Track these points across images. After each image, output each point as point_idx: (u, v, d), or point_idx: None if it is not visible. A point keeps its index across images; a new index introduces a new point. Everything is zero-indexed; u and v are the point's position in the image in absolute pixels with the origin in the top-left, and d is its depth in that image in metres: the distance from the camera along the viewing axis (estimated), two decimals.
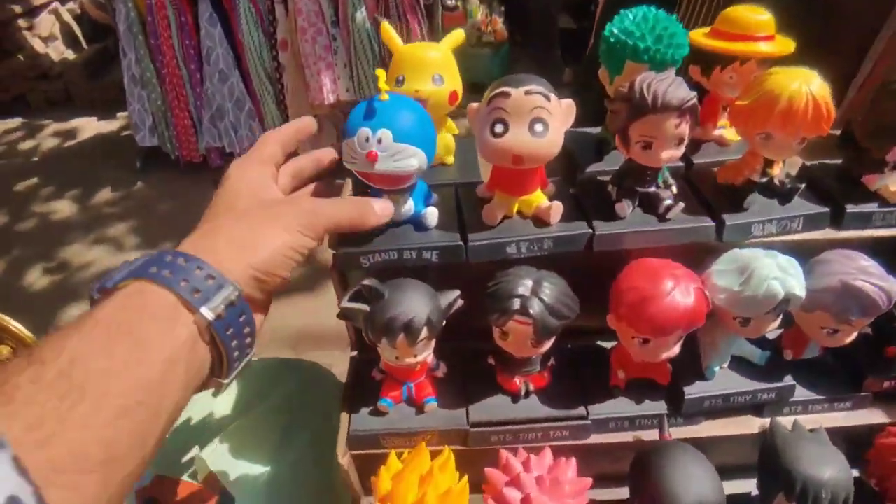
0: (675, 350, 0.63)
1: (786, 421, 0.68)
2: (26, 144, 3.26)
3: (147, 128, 2.73)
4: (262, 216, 0.46)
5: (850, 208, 0.68)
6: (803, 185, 0.68)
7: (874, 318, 0.68)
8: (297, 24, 2.41)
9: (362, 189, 0.65)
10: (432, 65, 0.69)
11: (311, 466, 0.83)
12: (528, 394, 0.67)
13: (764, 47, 0.69)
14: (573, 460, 0.59)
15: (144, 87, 2.64)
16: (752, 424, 0.69)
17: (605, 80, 0.73)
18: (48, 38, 3.49)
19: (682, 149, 0.61)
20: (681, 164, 0.77)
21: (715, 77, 0.73)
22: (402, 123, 0.57)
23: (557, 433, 0.66)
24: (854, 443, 0.71)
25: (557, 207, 0.64)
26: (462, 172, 0.77)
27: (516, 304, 0.58)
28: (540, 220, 0.65)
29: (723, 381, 0.68)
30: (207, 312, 0.37)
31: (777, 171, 0.69)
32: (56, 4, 3.62)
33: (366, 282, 0.60)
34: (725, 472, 0.66)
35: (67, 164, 3.06)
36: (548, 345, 0.63)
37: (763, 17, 0.70)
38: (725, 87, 0.73)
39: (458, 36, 0.73)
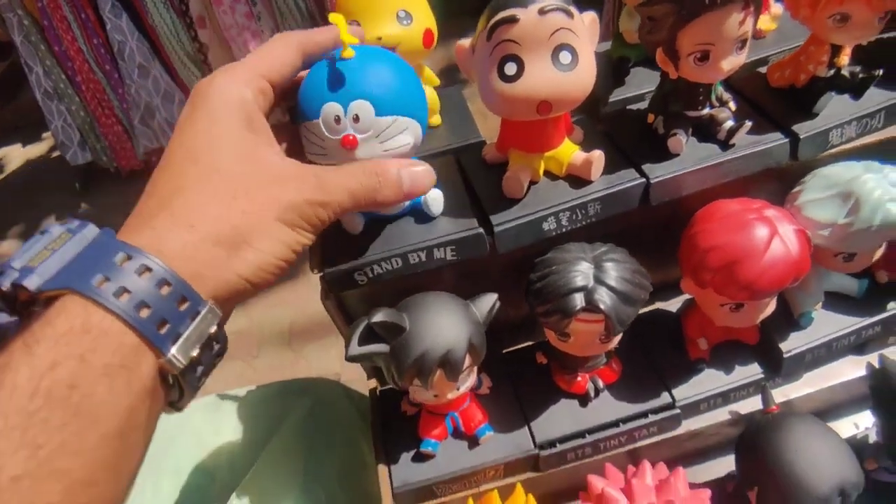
0: (771, 308, 0.49)
1: (891, 352, 0.56)
2: None
3: (76, 144, 2.42)
4: (256, 198, 0.31)
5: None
6: (880, 72, 0.53)
7: None
8: None
9: None
10: None
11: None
12: (597, 392, 0.53)
13: None
14: (681, 472, 0.45)
15: (61, 100, 2.31)
16: (856, 367, 0.57)
17: None
18: None
19: (745, 53, 0.45)
20: None
21: None
22: (384, 87, 0.39)
23: (643, 431, 0.52)
24: None
25: (599, 158, 0.48)
26: (456, 133, 0.59)
27: (579, 300, 0.43)
28: (577, 178, 0.49)
29: (820, 325, 0.55)
30: (178, 357, 0.26)
31: (845, 60, 0.54)
32: None
33: (377, 318, 0.43)
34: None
35: (2, 201, 2.74)
36: (619, 336, 0.49)
37: None
38: None
39: None
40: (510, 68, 0.41)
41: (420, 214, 0.50)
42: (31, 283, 0.25)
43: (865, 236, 0.45)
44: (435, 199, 0.49)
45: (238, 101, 0.33)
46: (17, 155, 2.98)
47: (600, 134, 0.54)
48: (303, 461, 0.73)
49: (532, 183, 0.50)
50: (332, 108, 0.38)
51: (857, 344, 0.57)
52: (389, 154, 0.40)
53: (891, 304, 0.56)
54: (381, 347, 0.44)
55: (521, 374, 0.56)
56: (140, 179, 2.50)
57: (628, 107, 0.56)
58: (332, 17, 0.39)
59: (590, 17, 0.43)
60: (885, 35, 0.61)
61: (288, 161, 0.34)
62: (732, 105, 0.51)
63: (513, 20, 0.40)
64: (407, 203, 0.49)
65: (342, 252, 0.49)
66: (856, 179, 0.46)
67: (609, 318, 0.43)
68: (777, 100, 0.54)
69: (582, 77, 0.41)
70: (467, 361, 0.45)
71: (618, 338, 0.48)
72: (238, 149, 0.32)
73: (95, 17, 2.15)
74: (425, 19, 0.51)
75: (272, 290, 1.99)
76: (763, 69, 0.58)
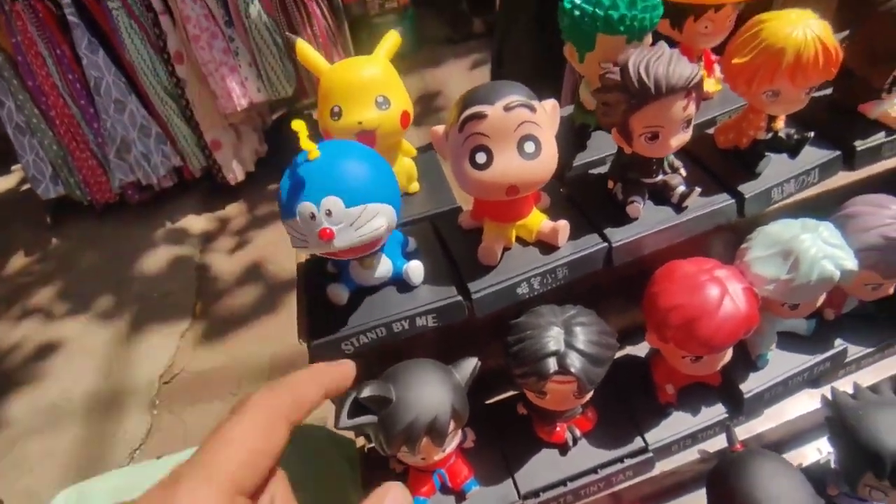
0: (728, 356, 0.54)
1: (842, 384, 0.61)
2: None
3: (48, 178, 2.40)
4: None
5: (860, 145, 0.60)
6: (811, 135, 0.59)
7: None
8: (187, 32, 2.13)
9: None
10: (372, 85, 0.54)
11: None
12: (575, 441, 0.57)
13: None
14: None
15: (34, 134, 2.30)
16: (811, 401, 0.62)
17: (573, 58, 0.60)
18: None
19: (691, 131, 0.50)
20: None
21: (688, 28, 0.63)
22: (352, 181, 0.44)
23: (620, 476, 0.57)
24: None
25: (564, 227, 0.52)
26: (433, 199, 0.63)
27: (552, 365, 0.47)
28: (546, 244, 0.54)
29: (776, 365, 0.61)
30: None
31: (781, 124, 0.60)
32: None
33: (365, 393, 0.47)
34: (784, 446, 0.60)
35: None
36: (592, 391, 0.53)
37: None
38: (700, 37, 0.63)
39: (393, 40, 0.58)
40: (481, 157, 0.45)
41: (402, 283, 0.53)
42: None
43: (805, 290, 0.51)
44: (415, 270, 0.53)
45: None
46: None
47: (565, 198, 0.59)
48: None
49: (505, 249, 0.54)
50: (305, 207, 0.43)
51: (811, 379, 0.62)
52: (364, 238, 0.44)
53: (837, 341, 0.62)
54: (370, 419, 0.47)
55: (504, 426, 0.60)
56: (114, 213, 2.49)
57: (590, 171, 0.61)
58: (294, 124, 0.43)
59: (550, 104, 0.48)
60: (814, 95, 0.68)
61: None
62: (682, 171, 0.56)
63: (481, 116, 0.44)
64: (389, 274, 0.53)
65: (328, 323, 0.52)
66: (794, 238, 0.51)
67: (580, 380, 0.47)
68: (724, 161, 0.60)
69: (545, 163, 0.46)
70: (451, 426, 0.48)
71: (590, 393, 0.53)
72: None
73: (71, 54, 2.16)
74: (402, 103, 0.55)
75: (252, 326, 2.00)
76: (711, 130, 0.64)
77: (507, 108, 0.44)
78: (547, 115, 0.47)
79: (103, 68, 2.16)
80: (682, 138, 0.50)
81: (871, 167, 0.62)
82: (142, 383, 1.91)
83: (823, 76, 0.51)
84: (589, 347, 0.48)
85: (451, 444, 0.51)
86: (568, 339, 0.48)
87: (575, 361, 0.47)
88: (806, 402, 0.63)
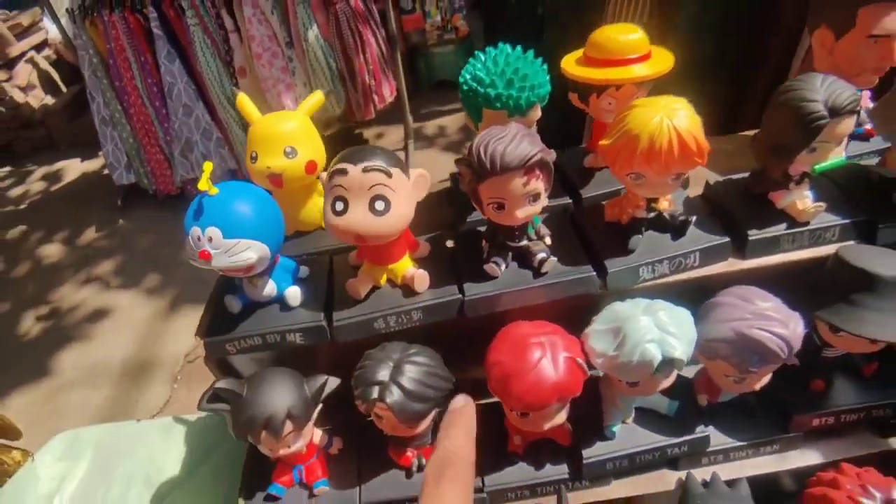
0: (560, 419, 0.58)
1: (706, 472, 0.62)
2: (14, 192, 3.28)
3: (123, 166, 2.72)
4: None
5: (754, 235, 0.62)
6: (693, 219, 0.62)
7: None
8: (251, 50, 2.37)
9: None
10: (284, 137, 0.65)
11: None
12: (420, 468, 0.63)
13: (638, 70, 0.63)
14: None
15: (115, 127, 2.63)
16: (667, 480, 0.64)
17: (471, 125, 0.67)
18: (27, 87, 3.50)
19: (541, 203, 0.56)
20: (569, 200, 0.71)
21: (593, 104, 0.67)
22: (232, 218, 0.54)
23: None
24: (791, 487, 0.66)
25: (421, 276, 0.59)
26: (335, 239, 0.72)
27: (374, 392, 0.54)
28: (411, 288, 0.60)
29: (628, 438, 0.63)
30: None
31: (665, 205, 0.63)
32: (32, 53, 3.61)
33: (219, 384, 0.56)
34: None
35: (54, 208, 3.08)
36: (426, 423, 0.59)
37: (634, 37, 0.63)
38: (605, 113, 0.67)
39: (316, 99, 0.69)
40: (339, 206, 0.54)
41: (285, 303, 0.62)
42: None
43: (629, 369, 0.54)
44: (293, 294, 0.62)
45: (471, 476, 0.32)
46: (75, 169, 3.35)
47: (447, 251, 0.65)
48: (226, 486, 0.85)
49: (376, 287, 0.62)
50: (195, 230, 0.53)
51: (668, 459, 0.64)
52: (235, 264, 0.54)
53: (699, 428, 0.63)
54: (223, 407, 0.57)
55: (368, 442, 0.67)
56: (174, 203, 2.78)
57: (478, 228, 0.67)
58: (205, 165, 0.53)
59: (417, 173, 0.56)
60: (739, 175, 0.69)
61: None
62: (548, 240, 0.61)
63: (343, 171, 0.53)
64: (274, 293, 0.62)
65: (221, 327, 0.62)
66: (629, 318, 0.55)
67: (394, 411, 0.53)
68: (609, 234, 0.64)
69: (391, 222, 0.53)
70: (289, 427, 0.56)
71: (425, 423, 0.58)
72: None
73: (153, 61, 2.46)
74: (310, 154, 0.65)
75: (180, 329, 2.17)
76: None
77: (365, 170, 0.52)
78: (406, 182, 0.54)
79: (177, 76, 2.44)
80: (529, 210, 0.55)
81: (769, 259, 0.63)
82: (169, 359, 2.11)
83: (684, 165, 0.54)
84: (411, 384, 0.54)
85: (296, 443, 0.59)
86: (394, 374, 0.54)
87: (393, 394, 0.53)
88: (665, 482, 0.64)
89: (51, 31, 3.58)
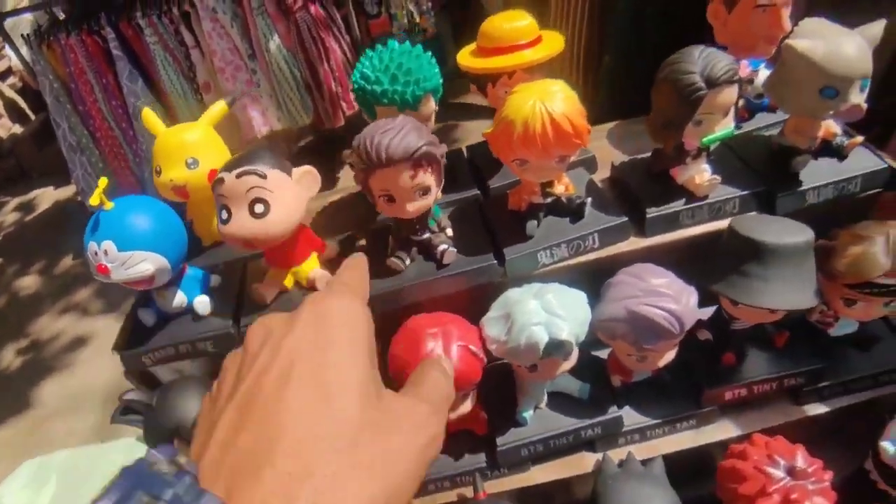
0: (465, 408, 0.60)
1: (624, 452, 0.64)
2: None
3: (94, 191, 2.76)
4: (389, 457, 0.24)
5: (652, 212, 0.64)
6: (589, 200, 0.64)
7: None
8: (214, 64, 2.40)
9: None
10: (185, 149, 0.67)
11: None
12: None
13: (529, 54, 0.65)
14: None
15: (83, 152, 2.66)
16: (587, 463, 0.66)
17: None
18: None
19: (432, 196, 0.58)
20: (477, 192, 0.73)
21: (490, 93, 0.70)
22: (126, 231, 0.56)
23: None
24: (709, 461, 0.67)
25: (322, 277, 0.61)
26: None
27: None
28: (314, 291, 0.62)
29: (541, 423, 0.65)
30: None
31: (561, 189, 0.65)
32: None
33: (127, 396, 0.58)
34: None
35: (29, 238, 3.11)
36: None
37: (522, 24, 0.65)
38: (502, 102, 0.69)
39: (219, 108, 0.71)
40: (224, 214, 0.56)
41: (195, 313, 0.64)
42: None
43: (518, 353, 0.55)
44: (202, 304, 0.64)
45: (367, 334, 0.27)
46: (48, 197, 3.38)
47: (357, 249, 0.67)
48: None
49: (283, 292, 0.64)
50: (92, 245, 0.56)
51: (584, 441, 0.65)
52: (133, 277, 0.56)
53: (612, 409, 0.64)
54: (136, 418, 0.59)
55: None
56: None
57: (389, 224, 0.69)
58: (101, 180, 0.56)
59: (301, 170, 0.58)
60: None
61: (401, 401, 0.27)
62: (449, 231, 0.63)
63: (220, 181, 0.55)
64: (184, 305, 0.64)
65: (136, 340, 0.64)
66: (517, 303, 0.56)
67: None
68: (511, 222, 0.66)
69: (273, 222, 0.55)
70: None
71: None
72: (367, 390, 0.25)
73: (115, 82, 2.49)
74: (213, 163, 0.67)
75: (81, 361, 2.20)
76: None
77: (238, 176, 0.54)
78: (287, 181, 0.56)
79: (140, 96, 2.46)
80: (419, 204, 0.57)
81: (671, 235, 0.65)
82: None
83: (564, 148, 0.56)
84: None
85: None
86: None
87: None
88: (586, 463, 0.66)
89: (13, 58, 3.62)
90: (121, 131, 2.60)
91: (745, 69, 0.57)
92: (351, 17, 2.51)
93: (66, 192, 3.34)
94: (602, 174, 0.73)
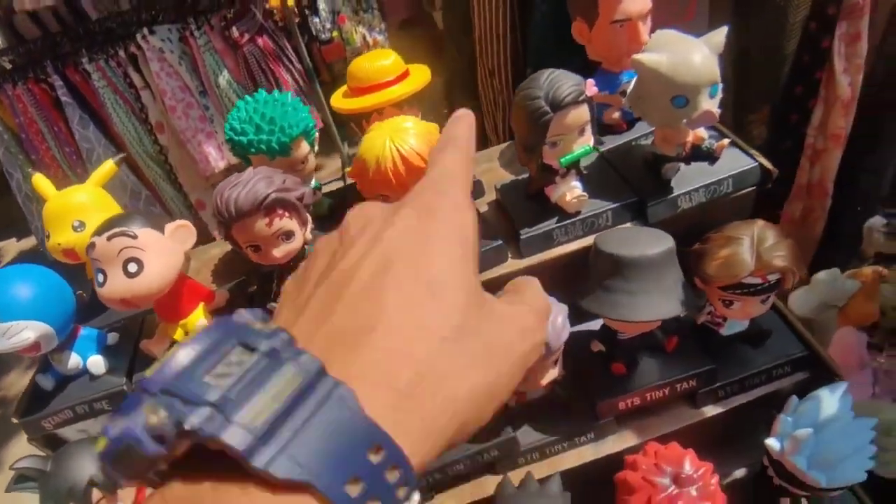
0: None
1: (524, 472, 0.67)
2: None
3: None
4: (495, 356, 0.24)
5: (525, 233, 0.67)
6: None
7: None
8: (165, 104, 2.45)
9: None
10: (71, 212, 0.71)
11: None
12: None
13: (395, 90, 0.69)
14: None
15: (39, 202, 2.70)
16: (488, 486, 0.69)
17: None
18: None
19: (298, 238, 0.62)
20: None
21: (366, 130, 0.73)
22: (3, 302, 0.59)
23: None
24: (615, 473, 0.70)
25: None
26: None
27: None
28: None
29: None
30: None
31: None
32: None
33: (18, 464, 0.62)
34: None
35: None
36: None
37: (386, 62, 0.69)
38: None
39: (106, 169, 0.75)
40: (100, 277, 0.60)
41: (91, 374, 0.68)
42: (279, 469, 0.17)
43: None
44: (95, 365, 0.68)
45: (473, 234, 0.26)
46: (12, 249, 3.43)
47: (248, 295, 0.71)
48: None
49: (174, 343, 0.67)
50: None
51: (482, 465, 0.68)
52: (15, 346, 0.60)
53: (507, 429, 0.68)
54: (31, 485, 0.62)
55: None
56: None
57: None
58: None
59: (174, 226, 0.62)
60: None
61: (505, 305, 0.26)
62: None
63: (92, 245, 0.59)
64: (80, 366, 0.68)
65: (35, 406, 0.68)
66: None
67: None
68: None
69: (148, 280, 0.59)
70: (97, 495, 0.62)
71: None
72: (472, 290, 0.24)
73: (66, 129, 2.55)
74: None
75: None
76: None
77: (109, 238, 0.58)
78: (159, 238, 0.60)
79: (94, 141, 2.52)
80: (285, 249, 0.61)
81: (549, 253, 0.68)
82: None
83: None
84: None
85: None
86: None
87: None
88: (481, 489, 0.69)
89: None
90: (76, 177, 2.64)
91: (591, 88, 0.61)
92: (301, 48, 2.57)
93: (30, 242, 3.40)
94: (489, 197, 0.77)
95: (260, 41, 2.49)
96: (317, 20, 3.15)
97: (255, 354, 0.19)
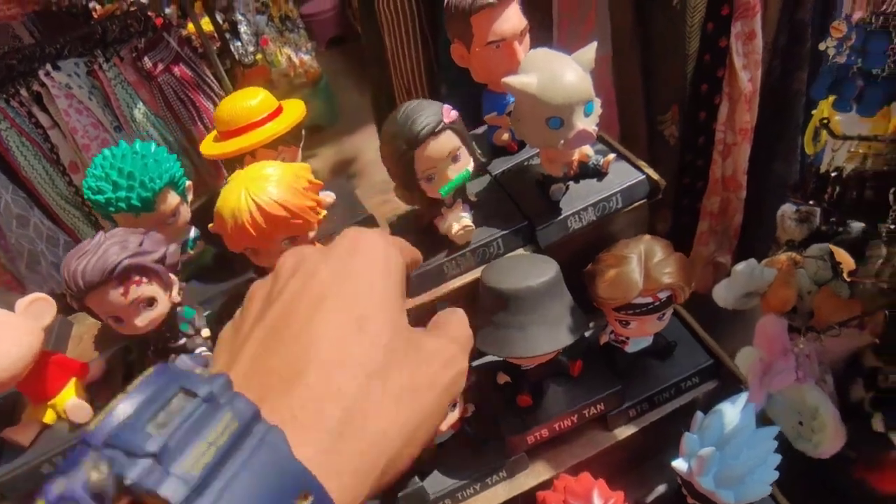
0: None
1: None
2: None
3: None
4: (420, 389, 0.25)
5: (416, 271, 0.65)
6: None
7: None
8: (77, 142, 2.35)
9: None
10: None
11: None
12: None
13: (267, 129, 0.66)
14: None
15: None
16: None
17: None
18: None
19: (162, 304, 0.58)
20: None
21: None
22: None
23: None
24: None
25: (74, 407, 0.61)
26: None
27: None
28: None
29: None
30: None
31: None
32: None
33: None
34: None
35: None
36: None
37: (254, 102, 0.66)
38: None
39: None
40: None
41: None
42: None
43: None
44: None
45: (400, 273, 0.28)
46: None
47: (127, 363, 0.67)
48: None
49: (45, 427, 0.62)
50: None
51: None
52: None
53: (414, 480, 0.65)
54: None
55: None
56: None
57: None
58: None
59: (26, 301, 0.57)
60: None
61: (430, 338, 0.28)
62: (206, 332, 0.63)
63: None
64: None
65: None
66: None
67: None
68: None
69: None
70: None
71: None
72: (398, 324, 0.26)
73: None
74: None
75: None
76: None
77: None
78: (9, 317, 0.56)
79: (0, 188, 2.39)
80: (148, 317, 0.57)
81: (443, 288, 0.66)
82: None
83: (286, 231, 0.56)
84: None
85: None
86: None
87: None
88: None
89: None
90: None
91: (448, 114, 0.59)
92: (221, 73, 2.50)
93: None
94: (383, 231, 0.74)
95: (176, 70, 2.41)
96: (238, 44, 3.08)
97: (195, 400, 0.20)
